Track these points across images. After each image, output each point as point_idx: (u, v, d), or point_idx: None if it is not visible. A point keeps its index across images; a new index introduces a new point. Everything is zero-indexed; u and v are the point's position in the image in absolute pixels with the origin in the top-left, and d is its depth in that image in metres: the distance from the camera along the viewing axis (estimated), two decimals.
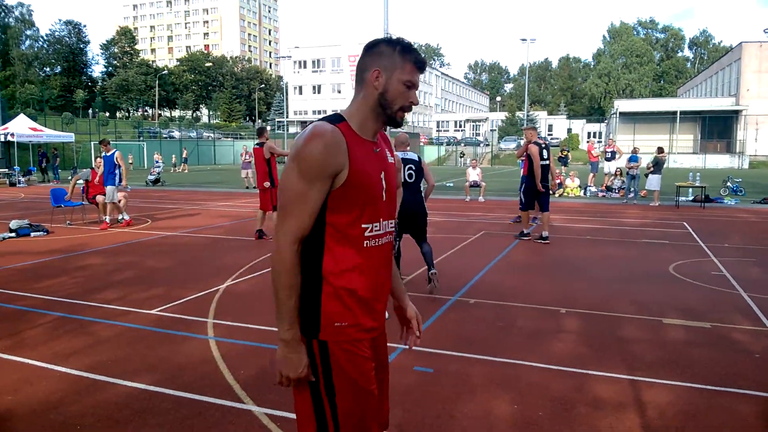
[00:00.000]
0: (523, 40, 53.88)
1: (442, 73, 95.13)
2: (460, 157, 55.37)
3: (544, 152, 9.57)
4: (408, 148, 6.75)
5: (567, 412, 3.51)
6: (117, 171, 11.30)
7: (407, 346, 2.24)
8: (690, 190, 17.20)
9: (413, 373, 4.10)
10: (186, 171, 37.53)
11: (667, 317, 5.44)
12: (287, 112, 67.78)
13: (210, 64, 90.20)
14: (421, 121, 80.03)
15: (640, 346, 4.67)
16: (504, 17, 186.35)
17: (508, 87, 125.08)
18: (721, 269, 7.59)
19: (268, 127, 10.07)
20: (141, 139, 48.93)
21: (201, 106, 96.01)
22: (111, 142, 12.19)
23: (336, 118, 1.82)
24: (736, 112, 49.17)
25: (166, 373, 4.09)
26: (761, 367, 4.26)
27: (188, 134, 57.55)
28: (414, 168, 6.53)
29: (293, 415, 3.39)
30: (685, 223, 12.29)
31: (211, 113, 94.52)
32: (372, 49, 1.84)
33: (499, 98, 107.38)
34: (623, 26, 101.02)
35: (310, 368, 1.83)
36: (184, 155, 39.60)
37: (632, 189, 17.34)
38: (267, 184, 9.53)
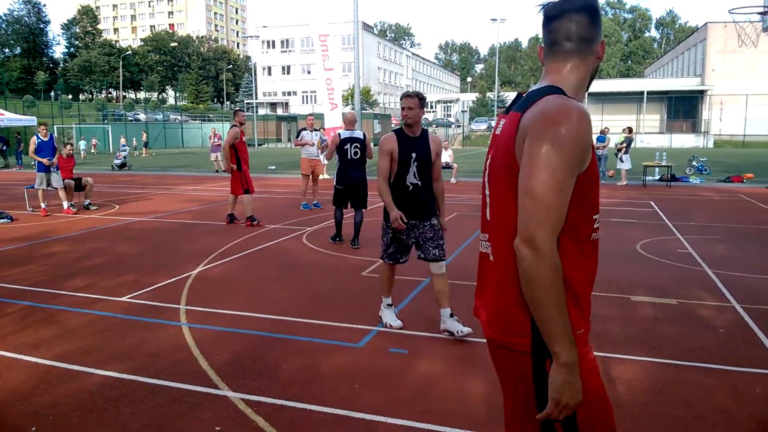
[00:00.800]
0: (494, 20, 54.00)
1: (413, 54, 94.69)
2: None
3: None
4: (354, 126, 7.91)
5: None
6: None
7: None
8: (657, 169, 17.56)
9: (388, 355, 4.14)
10: (146, 156, 36.36)
11: (635, 295, 5.57)
12: (256, 94, 66.79)
13: (175, 44, 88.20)
14: (392, 102, 79.78)
15: (610, 323, 4.79)
16: None
17: (479, 67, 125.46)
18: (687, 247, 7.79)
19: (244, 112, 9.90)
20: (105, 122, 47.79)
21: (167, 87, 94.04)
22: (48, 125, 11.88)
23: (561, 91, 1.56)
24: (702, 92, 50.13)
25: (139, 360, 4.05)
26: (725, 341, 4.41)
27: (154, 117, 56.39)
28: (359, 146, 7.83)
29: (269, 400, 3.42)
30: (652, 202, 12.55)
31: (177, 95, 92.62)
32: (597, 15, 1.61)
33: (470, 79, 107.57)
34: None
35: None
36: (143, 139, 38.37)
37: (600, 169, 17.59)
38: (234, 167, 9.41)
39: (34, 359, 4.07)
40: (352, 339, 4.45)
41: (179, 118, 57.43)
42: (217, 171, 22.24)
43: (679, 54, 62.70)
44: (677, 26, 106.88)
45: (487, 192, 1.74)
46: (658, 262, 6.94)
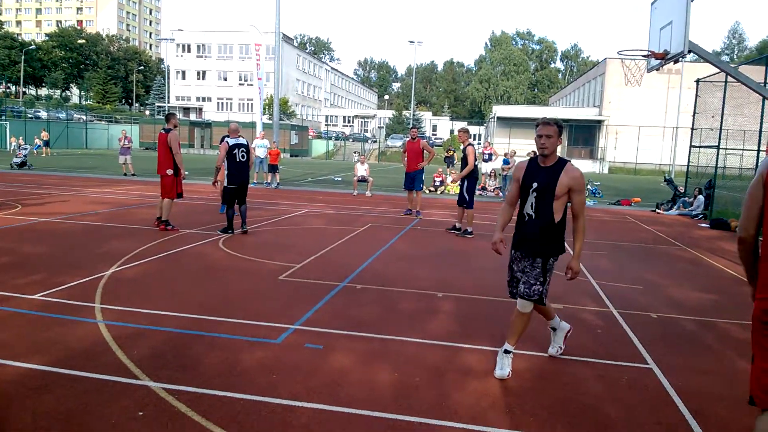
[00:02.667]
0: (411, 42, 55.63)
1: (332, 68, 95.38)
2: (354, 153, 56.13)
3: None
4: (238, 135, 9.50)
5: (440, 377, 4.02)
6: None
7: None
8: None
9: (304, 350, 4.43)
10: (46, 155, 34.33)
11: None
12: (168, 97, 64.79)
13: (83, 41, 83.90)
14: (310, 114, 79.84)
15: (504, 323, 5.32)
16: (393, 18, 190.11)
17: (396, 86, 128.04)
18: None
19: (178, 115, 10.00)
20: (3, 118, 44.67)
21: (71, 85, 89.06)
22: None
23: None
24: (599, 122, 53.98)
25: (57, 354, 4.11)
26: (600, 339, 5.06)
27: (56, 115, 53.29)
28: (245, 150, 9.38)
29: (190, 388, 3.64)
30: None
31: (83, 94, 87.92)
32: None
33: (387, 96, 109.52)
34: (503, 36, 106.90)
35: None
36: (44, 137, 36.10)
37: (506, 189, 18.74)
38: (170, 171, 9.42)
39: None
40: (269, 336, 4.71)
41: (84, 117, 54.58)
42: (125, 174, 21.52)
43: (580, 85, 67.14)
44: (580, 59, 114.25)
45: None
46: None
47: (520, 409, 3.61)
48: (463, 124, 77.07)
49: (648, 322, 5.61)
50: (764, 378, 2.42)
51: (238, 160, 9.25)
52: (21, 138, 30.45)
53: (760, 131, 12.60)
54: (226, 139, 9.47)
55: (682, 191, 18.07)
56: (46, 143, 35.62)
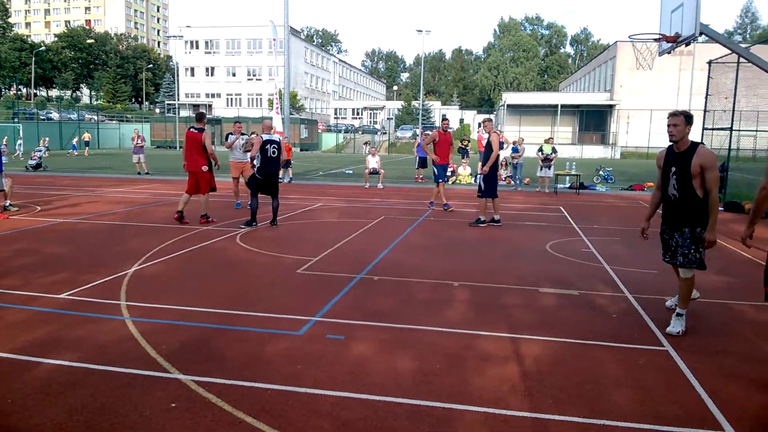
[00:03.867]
0: (419, 31, 55.40)
1: (340, 60, 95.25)
2: (364, 144, 56.17)
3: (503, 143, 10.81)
4: (271, 131, 10.04)
5: (460, 364, 4.12)
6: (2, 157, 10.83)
7: None
8: (567, 177, 18.86)
9: (326, 341, 4.55)
10: (86, 155, 35.70)
11: (542, 287, 6.27)
12: (178, 95, 65.11)
13: (92, 40, 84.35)
14: (319, 107, 79.90)
15: (520, 310, 5.42)
16: (400, 7, 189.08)
17: (404, 76, 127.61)
18: (590, 247, 8.66)
19: (203, 112, 10.31)
20: (16, 120, 45.15)
21: (82, 85, 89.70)
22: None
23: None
24: (610, 107, 53.53)
25: (88, 351, 4.25)
26: (616, 324, 5.13)
27: (68, 116, 53.77)
28: (277, 147, 9.84)
29: (218, 380, 3.77)
30: (561, 208, 13.60)
31: (93, 94, 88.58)
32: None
33: (395, 87, 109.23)
34: (512, 22, 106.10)
35: None
36: (86, 138, 38.24)
37: (518, 177, 18.75)
38: (205, 168, 9.85)
39: None
40: (291, 328, 4.83)
41: (95, 117, 55.03)
42: (139, 173, 21.76)
43: (591, 70, 66.57)
44: (590, 43, 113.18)
45: None
46: (564, 260, 7.73)
47: (540, 392, 3.70)
48: (472, 113, 76.88)
49: (662, 306, 5.66)
50: None
51: (269, 155, 9.76)
52: (45, 138, 30.56)
53: None
54: (260, 135, 10.03)
55: None
56: (87, 144, 37.11)
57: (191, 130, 9.88)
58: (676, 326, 4.84)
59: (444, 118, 13.27)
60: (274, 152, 9.76)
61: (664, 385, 3.84)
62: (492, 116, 72.16)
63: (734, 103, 14.89)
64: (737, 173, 15.46)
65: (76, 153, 37.18)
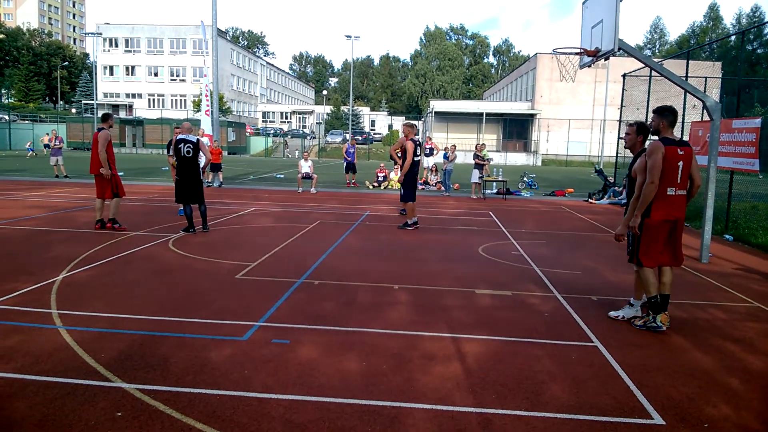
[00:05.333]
0: (348, 36, 55.63)
1: (268, 63, 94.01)
2: (298, 150, 55.58)
3: (418, 149, 10.75)
4: (190, 132, 9.77)
5: (406, 364, 4.25)
6: None
7: None
8: (494, 184, 19.52)
9: (272, 345, 4.56)
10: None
11: (478, 288, 6.52)
12: (96, 94, 62.17)
13: (2, 36, 79.13)
14: (247, 111, 78.50)
15: (458, 311, 5.62)
16: (329, 11, 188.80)
17: (333, 81, 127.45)
18: (519, 249, 9.05)
19: (109, 113, 9.87)
20: None
21: None
22: None
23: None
24: (532, 116, 55.76)
25: (22, 361, 4.07)
26: (548, 322, 5.42)
27: None
28: (191, 146, 9.46)
29: (164, 388, 3.73)
30: (490, 213, 14.09)
31: (4, 92, 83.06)
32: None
33: (324, 92, 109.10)
34: (437, 30, 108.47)
35: None
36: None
37: (447, 183, 19.23)
38: (105, 171, 9.41)
39: None
40: (235, 333, 4.81)
41: (6, 117, 51.74)
42: (57, 176, 20.70)
43: (513, 80, 69.06)
44: (512, 54, 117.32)
45: None
46: (496, 262, 8.05)
47: (482, 388, 3.88)
48: (401, 119, 77.82)
49: (589, 304, 6.04)
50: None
51: (182, 154, 9.49)
52: None
53: (683, 123, 13.49)
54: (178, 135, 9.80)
55: (612, 181, 19.05)
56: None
57: (96, 130, 9.58)
58: (619, 312, 5.53)
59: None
60: (188, 152, 9.46)
61: (595, 378, 4.12)
62: (420, 122, 73.42)
63: (647, 114, 15.93)
64: None
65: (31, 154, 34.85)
